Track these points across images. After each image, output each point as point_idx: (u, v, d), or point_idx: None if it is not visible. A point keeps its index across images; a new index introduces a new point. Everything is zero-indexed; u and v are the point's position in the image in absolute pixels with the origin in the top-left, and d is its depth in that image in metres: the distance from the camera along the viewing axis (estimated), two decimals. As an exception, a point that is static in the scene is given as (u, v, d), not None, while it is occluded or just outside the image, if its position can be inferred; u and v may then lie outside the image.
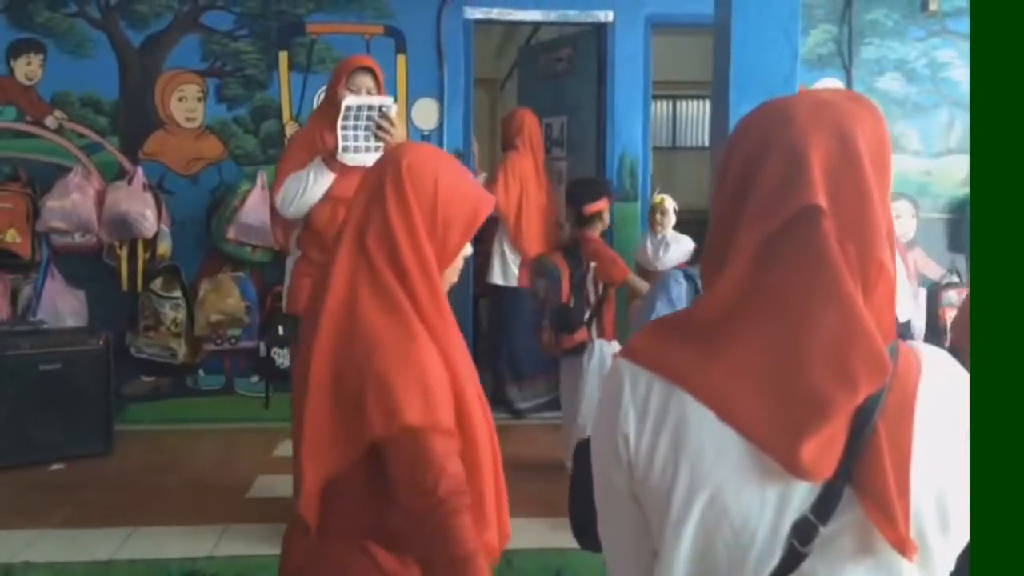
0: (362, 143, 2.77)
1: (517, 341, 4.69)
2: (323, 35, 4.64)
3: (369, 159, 2.74)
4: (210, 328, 4.44)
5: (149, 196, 4.37)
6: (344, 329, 1.30)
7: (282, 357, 4.58)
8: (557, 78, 5.30)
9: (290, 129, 4.63)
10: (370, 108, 2.74)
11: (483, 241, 4.94)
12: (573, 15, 4.79)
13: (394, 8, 4.62)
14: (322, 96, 4.61)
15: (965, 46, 4.56)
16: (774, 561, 0.83)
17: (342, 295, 1.32)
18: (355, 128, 2.74)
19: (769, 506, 0.83)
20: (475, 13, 4.72)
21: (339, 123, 2.73)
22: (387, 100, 2.80)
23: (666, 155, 8.03)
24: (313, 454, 1.30)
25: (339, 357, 1.30)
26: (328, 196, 2.82)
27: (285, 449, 4.14)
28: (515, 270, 4.69)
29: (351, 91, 2.84)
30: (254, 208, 4.42)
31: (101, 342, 4.08)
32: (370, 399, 1.25)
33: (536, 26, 5.83)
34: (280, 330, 4.56)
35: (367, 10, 4.63)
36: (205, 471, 3.89)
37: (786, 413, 0.82)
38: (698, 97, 8.44)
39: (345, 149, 2.75)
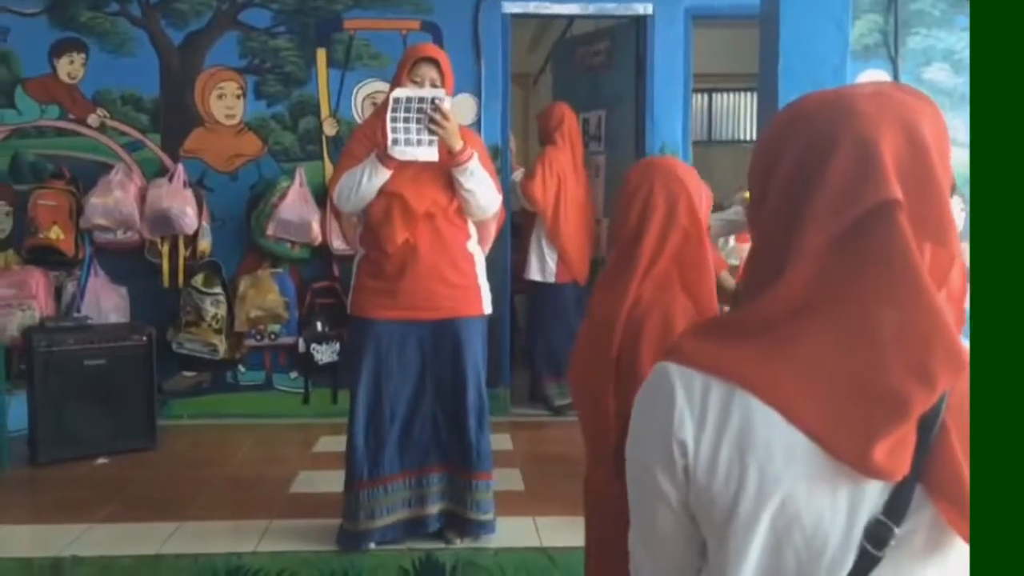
0: (414, 136, 2.63)
1: (555, 337, 4.66)
2: (360, 31, 4.64)
3: (422, 153, 2.66)
4: (250, 324, 4.47)
5: (190, 193, 4.40)
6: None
7: (321, 353, 4.59)
8: (594, 71, 5.26)
9: (328, 125, 4.65)
10: (421, 100, 2.61)
11: (520, 236, 4.92)
12: (612, 7, 4.74)
13: (432, 3, 4.61)
14: (362, 91, 4.63)
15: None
16: (847, 567, 0.80)
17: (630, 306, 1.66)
18: (406, 121, 2.61)
19: (841, 509, 0.80)
20: (513, 7, 4.69)
21: (387, 116, 2.61)
22: (439, 92, 2.65)
23: (702, 149, 7.94)
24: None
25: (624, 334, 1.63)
26: (384, 192, 2.73)
27: (325, 445, 4.16)
28: (552, 266, 4.66)
29: (415, 82, 2.71)
30: (293, 205, 4.44)
31: (144, 338, 4.12)
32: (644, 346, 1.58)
33: (571, 20, 5.79)
34: (319, 326, 4.58)
35: (404, 5, 4.62)
36: (247, 466, 3.92)
37: (859, 413, 0.79)
38: (733, 90, 8.34)
39: (395, 142, 2.62)
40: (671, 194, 1.65)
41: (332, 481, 3.31)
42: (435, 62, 2.76)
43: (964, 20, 4.71)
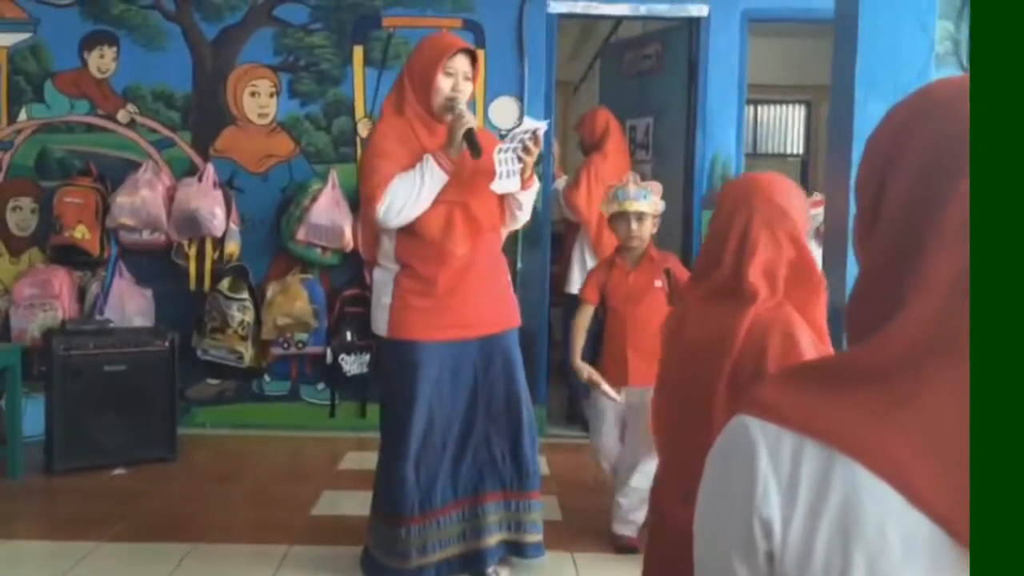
0: (508, 167, 2.52)
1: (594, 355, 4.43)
2: (399, 29, 4.46)
3: (512, 184, 2.54)
4: (277, 331, 4.29)
5: (219, 194, 4.24)
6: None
7: (349, 364, 4.40)
8: (643, 76, 5.03)
9: (363, 126, 4.46)
10: (525, 132, 2.49)
11: (561, 247, 4.70)
12: (664, 9, 4.51)
13: (474, 1, 4.42)
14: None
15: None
16: None
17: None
18: (506, 151, 2.49)
19: None
20: (559, 7, 4.48)
21: (497, 150, 2.47)
22: (543, 124, 2.55)
23: (748, 161, 7.70)
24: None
25: (742, 355, 1.54)
26: (441, 200, 2.52)
27: (351, 462, 3.96)
28: (595, 279, 4.42)
29: (449, 75, 2.54)
30: (325, 209, 4.26)
31: (167, 343, 3.96)
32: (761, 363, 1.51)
33: (616, 24, 5.57)
34: (348, 336, 4.39)
35: (445, 3, 4.43)
36: (269, 482, 3.73)
37: None
38: (780, 102, 8.12)
39: (500, 176, 2.51)
40: (770, 225, 1.55)
41: (357, 503, 3.12)
42: (469, 52, 2.60)
43: (1042, 28, 4.41)
